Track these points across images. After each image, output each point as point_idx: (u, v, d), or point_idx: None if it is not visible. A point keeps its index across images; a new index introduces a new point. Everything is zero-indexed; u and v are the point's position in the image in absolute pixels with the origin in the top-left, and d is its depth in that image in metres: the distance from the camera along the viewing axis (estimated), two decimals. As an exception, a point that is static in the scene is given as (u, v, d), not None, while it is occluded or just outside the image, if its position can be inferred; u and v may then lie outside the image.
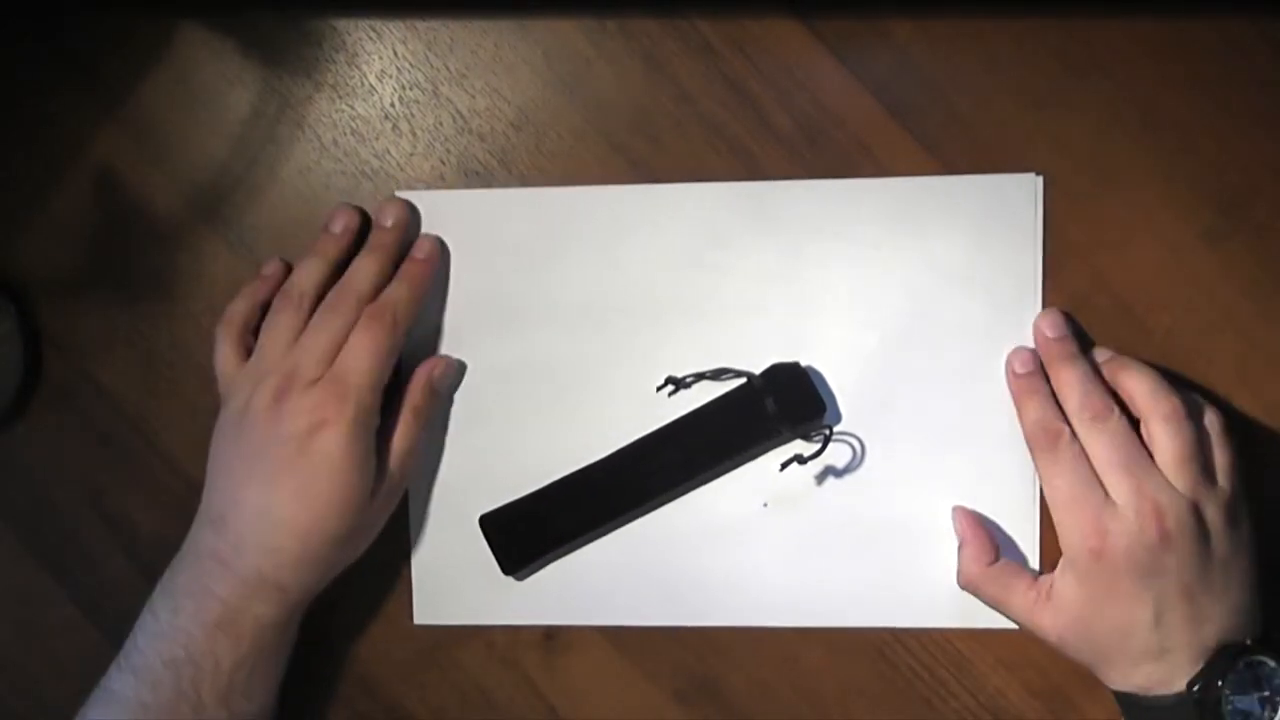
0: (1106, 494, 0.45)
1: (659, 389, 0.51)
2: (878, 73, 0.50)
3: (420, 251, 0.50)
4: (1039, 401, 0.47)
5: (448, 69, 0.52)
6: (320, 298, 0.50)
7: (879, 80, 0.50)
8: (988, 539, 0.49)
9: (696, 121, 0.51)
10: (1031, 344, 0.49)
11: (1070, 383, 0.47)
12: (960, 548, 0.50)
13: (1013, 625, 0.50)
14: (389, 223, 0.51)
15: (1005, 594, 0.48)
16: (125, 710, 0.46)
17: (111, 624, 0.54)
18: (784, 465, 0.49)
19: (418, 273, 0.50)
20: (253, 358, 0.49)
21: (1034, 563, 0.50)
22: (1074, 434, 0.46)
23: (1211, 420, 0.46)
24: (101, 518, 0.54)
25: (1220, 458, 0.46)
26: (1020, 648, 0.51)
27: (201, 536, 0.48)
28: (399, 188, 0.52)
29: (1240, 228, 0.50)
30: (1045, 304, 0.50)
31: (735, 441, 0.50)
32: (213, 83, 0.52)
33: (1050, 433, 0.46)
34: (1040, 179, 0.50)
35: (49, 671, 0.55)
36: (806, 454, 0.49)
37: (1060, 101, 0.50)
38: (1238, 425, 0.50)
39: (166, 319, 0.53)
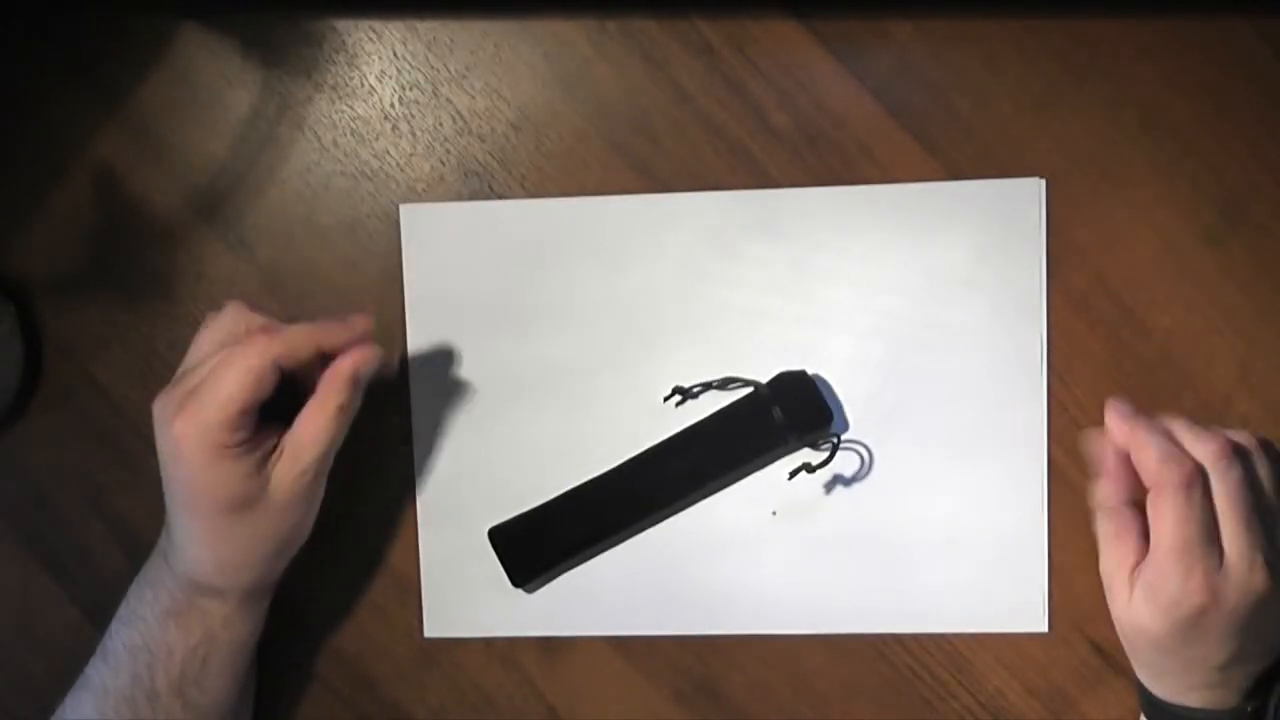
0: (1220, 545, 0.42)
1: (666, 399, 0.51)
2: (878, 73, 0.50)
3: (350, 325, 0.47)
4: (1161, 440, 0.43)
5: (448, 69, 0.52)
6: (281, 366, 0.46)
7: (879, 81, 0.50)
8: (1128, 483, 0.45)
9: (696, 122, 0.51)
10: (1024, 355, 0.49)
11: (1183, 429, 0.44)
12: (1105, 472, 0.45)
13: (1013, 628, 0.50)
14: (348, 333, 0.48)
15: (1115, 539, 0.44)
16: (92, 694, 0.47)
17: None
18: (792, 474, 0.49)
19: (327, 328, 0.47)
20: None
21: (1041, 570, 0.50)
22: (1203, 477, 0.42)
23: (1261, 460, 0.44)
24: (101, 518, 0.54)
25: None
26: (1020, 648, 0.51)
27: (163, 533, 0.49)
28: (399, 188, 0.52)
29: (1240, 228, 0.50)
30: (1049, 307, 0.50)
31: (743, 451, 0.50)
32: (213, 83, 0.52)
33: (1186, 471, 0.42)
34: (1044, 183, 0.50)
35: (49, 671, 0.55)
36: (815, 462, 0.49)
37: (1061, 102, 0.50)
38: (1237, 426, 0.50)
39: (166, 319, 0.53)
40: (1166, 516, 0.42)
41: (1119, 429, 0.44)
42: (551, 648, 0.53)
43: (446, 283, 0.52)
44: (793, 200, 0.51)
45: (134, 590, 0.49)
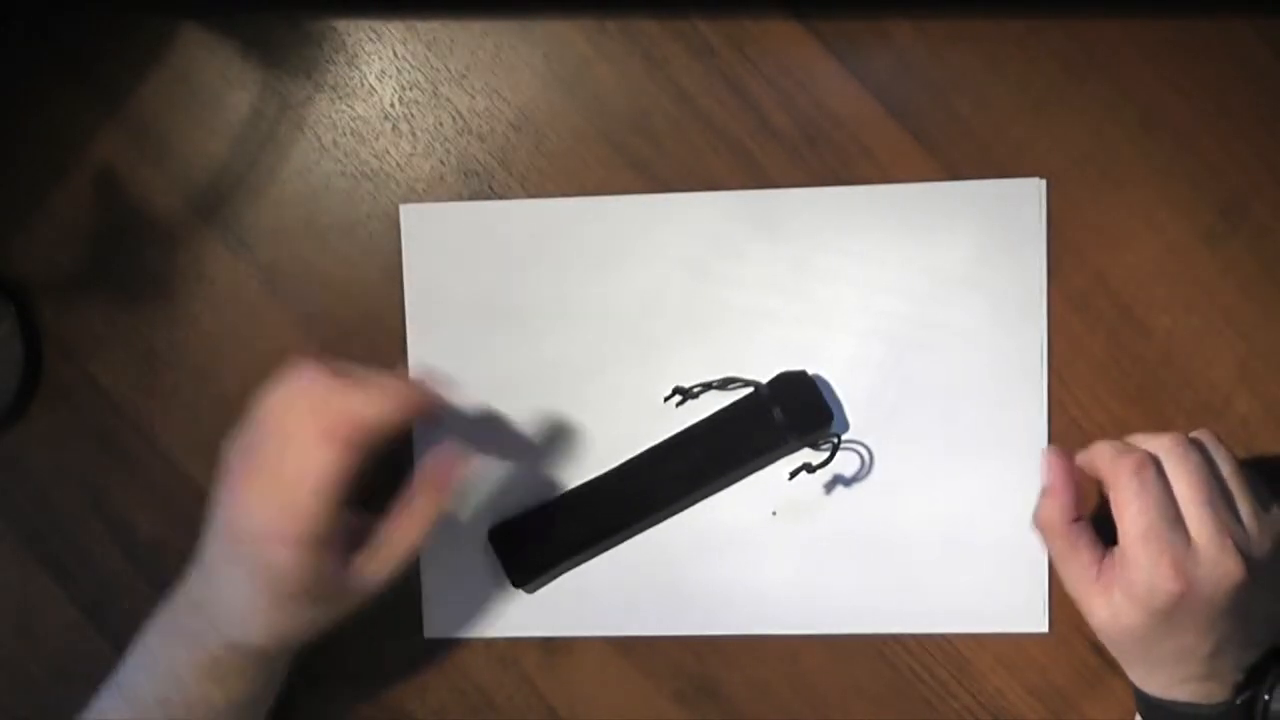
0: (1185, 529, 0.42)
1: (666, 399, 0.51)
2: (878, 73, 0.50)
3: (421, 382, 0.46)
4: (1113, 443, 0.44)
5: (448, 69, 0.52)
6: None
7: (879, 81, 0.50)
8: (1075, 495, 0.46)
9: (696, 122, 0.51)
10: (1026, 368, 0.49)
11: (1146, 438, 0.44)
12: (1045, 493, 0.46)
13: (1013, 628, 0.50)
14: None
15: (1069, 557, 0.45)
16: None
17: (111, 625, 0.54)
18: (793, 474, 0.49)
19: (405, 395, 0.44)
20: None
21: (1041, 571, 0.50)
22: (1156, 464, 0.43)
23: (1219, 453, 0.45)
24: (101, 518, 0.54)
25: (1250, 486, 0.44)
26: (1020, 648, 0.51)
27: (196, 583, 0.46)
28: (399, 188, 0.52)
29: (1240, 228, 0.50)
30: (1049, 307, 0.50)
31: (743, 451, 0.50)
32: (213, 83, 0.52)
33: (1137, 457, 0.43)
34: (1044, 183, 0.50)
35: (49, 672, 0.55)
36: (815, 462, 0.49)
37: (1061, 102, 0.50)
38: (1237, 426, 0.50)
39: (166, 319, 0.53)
40: (1128, 505, 0.42)
41: (1068, 455, 0.46)
42: (551, 648, 0.53)
43: (446, 283, 0.52)
44: (793, 200, 0.51)
45: (159, 638, 0.46)
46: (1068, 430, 0.50)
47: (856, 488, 0.51)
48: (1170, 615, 0.42)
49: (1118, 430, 0.50)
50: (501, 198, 0.52)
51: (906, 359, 0.50)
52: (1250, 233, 0.50)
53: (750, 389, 0.50)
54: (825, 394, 0.50)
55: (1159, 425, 0.50)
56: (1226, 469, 0.44)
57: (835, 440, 0.49)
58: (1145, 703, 0.46)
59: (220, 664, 0.46)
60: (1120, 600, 0.43)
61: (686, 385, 0.51)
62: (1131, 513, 0.42)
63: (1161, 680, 0.45)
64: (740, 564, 0.52)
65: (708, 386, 0.51)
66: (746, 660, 0.52)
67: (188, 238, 0.53)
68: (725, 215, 0.51)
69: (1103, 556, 0.45)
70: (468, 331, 0.52)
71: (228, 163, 0.53)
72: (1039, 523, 0.46)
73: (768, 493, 0.51)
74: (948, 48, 0.50)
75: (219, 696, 0.46)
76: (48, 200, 0.53)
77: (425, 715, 0.54)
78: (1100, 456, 0.44)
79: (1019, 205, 0.50)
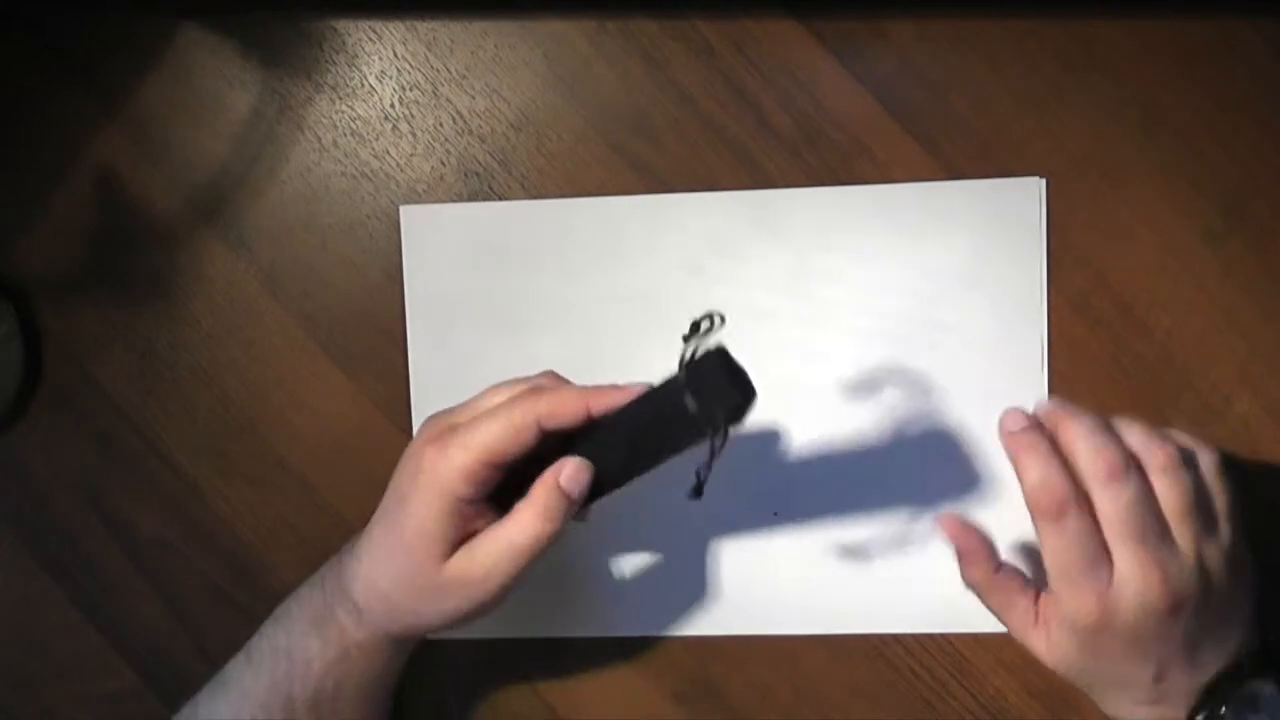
0: (1109, 559, 0.42)
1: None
2: (878, 73, 0.50)
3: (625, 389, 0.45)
4: (1041, 460, 0.42)
5: (448, 70, 0.52)
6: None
7: (879, 81, 0.50)
8: (985, 545, 0.46)
9: (696, 122, 0.51)
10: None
11: (1079, 435, 0.42)
12: (960, 558, 0.47)
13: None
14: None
15: (1006, 607, 0.46)
16: (228, 694, 0.47)
17: (111, 624, 0.54)
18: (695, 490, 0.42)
19: (590, 394, 0.44)
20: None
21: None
22: (1079, 501, 0.41)
23: (1206, 462, 0.44)
24: (101, 518, 0.54)
25: (1220, 501, 0.43)
26: (1020, 649, 0.51)
27: (354, 539, 0.47)
28: (399, 188, 0.52)
29: (1240, 228, 0.50)
30: (1049, 307, 0.50)
31: (661, 446, 0.43)
32: (213, 83, 0.52)
33: (1057, 499, 0.41)
34: (1044, 182, 0.50)
35: (49, 672, 0.55)
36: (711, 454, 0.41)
37: (1060, 102, 0.50)
38: (1238, 426, 0.50)
39: (166, 319, 0.53)
40: (1044, 546, 0.42)
41: (1008, 443, 0.43)
42: (551, 648, 0.53)
43: (446, 283, 0.52)
44: (793, 200, 0.51)
45: (296, 591, 0.48)
46: (1068, 430, 0.50)
47: (857, 488, 0.51)
48: (1098, 646, 0.42)
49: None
50: (501, 198, 0.52)
51: (906, 359, 0.50)
52: (1250, 233, 0.50)
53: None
54: (743, 364, 0.43)
55: (1158, 425, 0.50)
56: (1178, 494, 0.42)
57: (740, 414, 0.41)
58: None
59: (326, 609, 0.46)
60: (1055, 633, 0.44)
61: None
62: (1047, 554, 0.42)
63: (1116, 706, 0.45)
64: (740, 564, 0.52)
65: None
66: (746, 661, 0.52)
67: (188, 238, 0.53)
68: (725, 215, 0.51)
69: (1038, 595, 0.45)
70: (467, 331, 0.52)
71: (228, 163, 0.53)
72: (968, 586, 0.46)
73: (768, 492, 0.51)
74: (948, 48, 0.50)
75: (317, 650, 0.46)
76: (48, 200, 0.53)
77: (425, 715, 0.54)
78: (1026, 484, 0.42)
79: (1019, 205, 0.50)
